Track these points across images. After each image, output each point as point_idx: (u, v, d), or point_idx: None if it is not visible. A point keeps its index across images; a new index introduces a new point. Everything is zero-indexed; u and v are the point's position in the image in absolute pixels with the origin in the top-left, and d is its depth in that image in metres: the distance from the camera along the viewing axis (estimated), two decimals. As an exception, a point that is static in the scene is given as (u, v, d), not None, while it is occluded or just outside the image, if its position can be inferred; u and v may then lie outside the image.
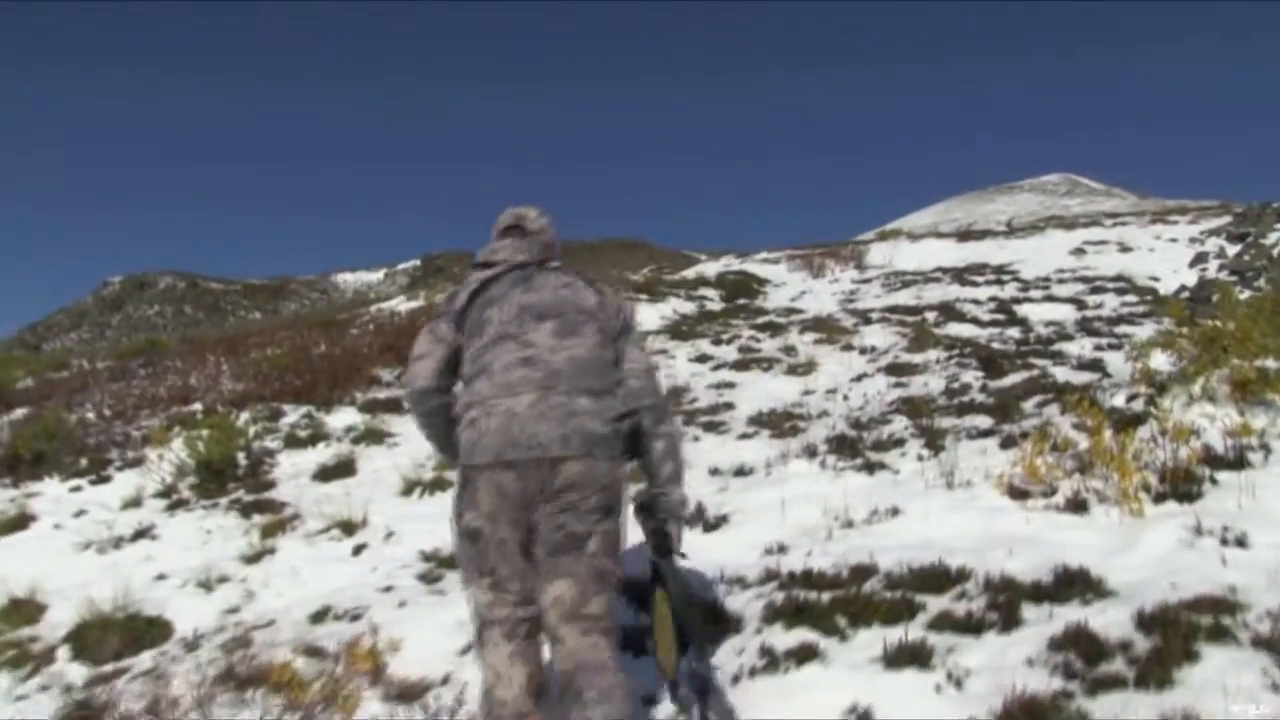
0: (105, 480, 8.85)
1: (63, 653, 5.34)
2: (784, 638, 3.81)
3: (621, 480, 3.12)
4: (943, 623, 3.75)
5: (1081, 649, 3.34)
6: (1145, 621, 3.46)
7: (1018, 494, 5.15)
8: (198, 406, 10.97)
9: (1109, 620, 3.52)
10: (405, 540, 6.17)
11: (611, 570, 3.05)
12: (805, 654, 3.65)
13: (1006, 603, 3.79)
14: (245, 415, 10.07)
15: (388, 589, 5.36)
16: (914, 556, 4.43)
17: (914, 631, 3.69)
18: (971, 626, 3.69)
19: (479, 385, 3.10)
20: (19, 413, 12.69)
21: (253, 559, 6.29)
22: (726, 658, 3.83)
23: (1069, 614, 3.63)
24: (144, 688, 4.44)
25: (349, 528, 6.57)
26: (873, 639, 3.69)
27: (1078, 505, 4.88)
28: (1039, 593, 3.87)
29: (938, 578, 4.14)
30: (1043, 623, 3.63)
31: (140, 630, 5.44)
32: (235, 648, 4.76)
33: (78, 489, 8.72)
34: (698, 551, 5.15)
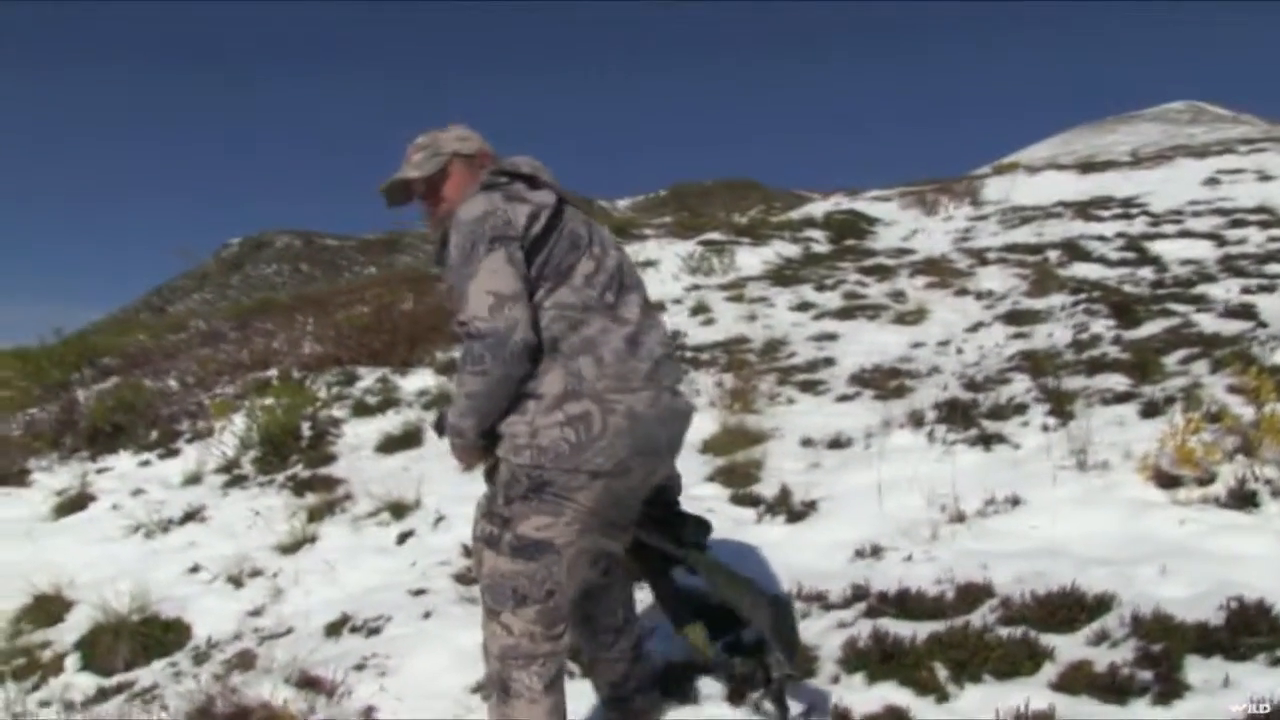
0: (174, 454, 8.57)
1: (71, 661, 4.96)
2: (864, 696, 2.94)
3: None
4: (1076, 681, 2.81)
5: (1281, 750, 2.36)
6: (1376, 710, 2.44)
7: (1166, 481, 4.18)
8: (274, 372, 10.56)
9: (1317, 700, 2.53)
10: (454, 527, 5.52)
11: None
12: (891, 724, 2.77)
13: (1164, 655, 2.82)
14: (319, 381, 9.60)
15: (419, 592, 4.72)
16: (1038, 571, 3.54)
17: (1037, 694, 2.77)
18: (1115, 689, 2.73)
19: (584, 368, 2.45)
20: (111, 382, 12.56)
21: (290, 549, 5.78)
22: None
23: (1252, 681, 2.65)
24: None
25: (399, 510, 6.01)
26: (981, 702, 2.80)
27: (1244, 499, 3.90)
28: (1207, 640, 2.89)
29: (1069, 608, 3.20)
30: (1215, 692, 2.65)
31: (156, 636, 5.00)
32: (234, 668, 4.18)
33: (146, 463, 8.52)
34: (775, 549, 4.35)
